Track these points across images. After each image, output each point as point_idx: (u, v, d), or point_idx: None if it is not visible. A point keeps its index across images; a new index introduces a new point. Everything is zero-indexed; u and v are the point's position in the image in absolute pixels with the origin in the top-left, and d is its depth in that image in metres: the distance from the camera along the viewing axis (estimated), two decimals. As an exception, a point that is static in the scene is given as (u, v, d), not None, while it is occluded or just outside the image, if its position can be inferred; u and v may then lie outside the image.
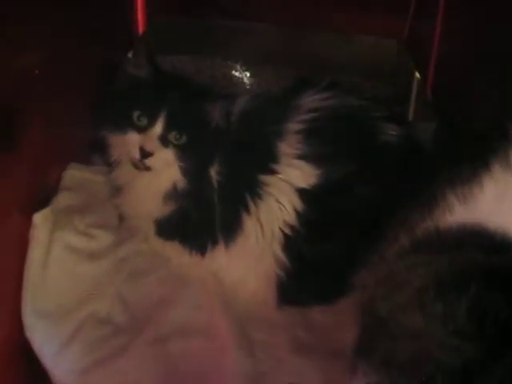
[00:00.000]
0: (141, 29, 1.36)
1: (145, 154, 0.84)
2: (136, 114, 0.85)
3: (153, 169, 0.86)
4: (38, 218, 0.88)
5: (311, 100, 0.91)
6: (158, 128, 0.85)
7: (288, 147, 0.88)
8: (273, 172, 0.88)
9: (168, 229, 0.94)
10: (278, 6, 1.36)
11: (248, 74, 1.31)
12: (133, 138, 0.86)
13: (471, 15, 1.08)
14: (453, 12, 1.20)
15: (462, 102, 1.12)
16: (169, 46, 1.28)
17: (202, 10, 1.36)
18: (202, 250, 0.93)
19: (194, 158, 0.87)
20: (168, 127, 0.85)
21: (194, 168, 0.88)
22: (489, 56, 0.97)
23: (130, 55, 1.23)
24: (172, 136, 0.86)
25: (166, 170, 0.88)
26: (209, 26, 1.36)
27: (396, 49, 1.37)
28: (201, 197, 0.90)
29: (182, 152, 0.86)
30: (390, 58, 1.36)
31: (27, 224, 0.88)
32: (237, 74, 1.32)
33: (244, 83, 1.31)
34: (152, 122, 0.85)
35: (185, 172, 0.88)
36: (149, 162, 0.85)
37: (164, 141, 0.85)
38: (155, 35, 1.31)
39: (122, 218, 1.00)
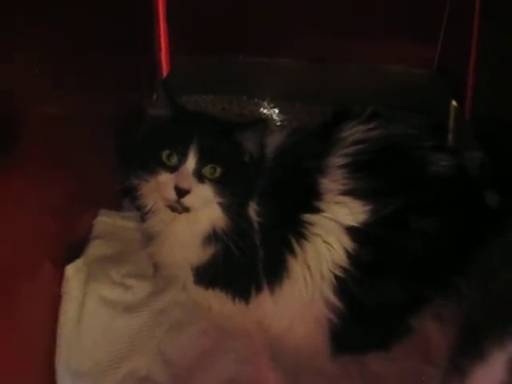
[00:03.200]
0: (165, 70, 1.33)
1: (181, 192, 0.79)
2: (165, 154, 0.81)
3: (191, 209, 0.81)
4: (71, 269, 0.83)
5: (354, 132, 0.86)
6: (191, 164, 0.80)
7: (332, 183, 0.83)
8: (317, 210, 0.82)
9: (208, 276, 0.89)
10: (303, 40, 1.32)
11: (277, 111, 1.28)
12: (166, 179, 0.80)
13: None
14: (485, 36, 1.17)
15: (502, 129, 1.08)
16: (194, 86, 1.26)
17: (225, 49, 1.32)
18: (245, 297, 0.87)
19: (231, 193, 0.82)
20: (200, 161, 0.80)
21: (232, 205, 0.83)
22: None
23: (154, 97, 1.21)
24: (206, 170, 0.80)
25: (205, 209, 0.83)
26: (233, 64, 1.33)
27: (427, 78, 1.33)
28: (241, 239, 0.84)
29: (219, 186, 0.81)
30: (421, 87, 1.32)
31: (59, 276, 0.83)
32: (265, 111, 1.28)
33: (273, 120, 1.27)
34: (183, 159, 0.80)
35: (224, 208, 0.83)
36: (186, 200, 0.80)
37: (199, 176, 0.80)
38: (180, 76, 1.28)
39: (157, 267, 0.95)
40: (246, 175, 0.84)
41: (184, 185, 0.79)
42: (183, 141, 0.80)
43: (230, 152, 0.83)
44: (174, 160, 0.80)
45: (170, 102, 0.85)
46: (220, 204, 0.83)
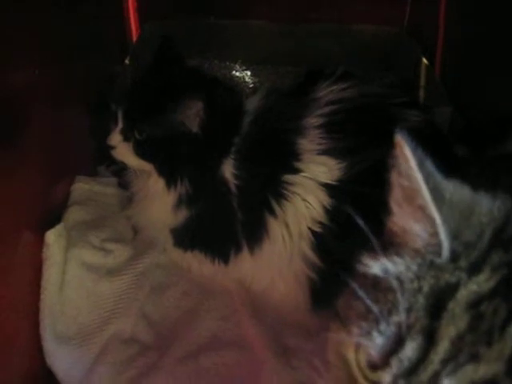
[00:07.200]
0: (135, 36, 1.31)
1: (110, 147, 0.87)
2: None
3: (126, 164, 0.88)
4: (51, 235, 0.83)
5: (328, 92, 0.86)
6: (120, 123, 0.86)
7: (309, 143, 0.83)
8: (296, 171, 0.83)
9: (186, 238, 0.90)
10: (273, 1, 1.31)
11: (249, 73, 1.28)
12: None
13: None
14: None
15: (470, 85, 1.10)
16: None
17: (195, 12, 1.31)
18: (224, 257, 0.88)
19: (163, 157, 0.85)
20: (127, 122, 0.85)
21: (168, 168, 0.86)
22: (493, 38, 0.96)
23: (127, 62, 1.19)
24: (136, 132, 0.84)
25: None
26: (203, 27, 1.32)
27: (398, 36, 1.34)
28: (215, 202, 0.86)
29: (142, 148, 0.85)
30: (392, 45, 1.33)
31: (39, 243, 0.83)
32: (237, 74, 1.28)
33: (246, 83, 1.27)
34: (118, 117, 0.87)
35: (158, 171, 0.86)
36: (114, 155, 0.87)
37: (125, 135, 0.85)
38: (150, 41, 1.26)
39: (136, 230, 0.95)
40: (191, 145, 0.84)
41: (110, 141, 0.85)
42: (120, 101, 0.86)
43: (162, 119, 0.83)
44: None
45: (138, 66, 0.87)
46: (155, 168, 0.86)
